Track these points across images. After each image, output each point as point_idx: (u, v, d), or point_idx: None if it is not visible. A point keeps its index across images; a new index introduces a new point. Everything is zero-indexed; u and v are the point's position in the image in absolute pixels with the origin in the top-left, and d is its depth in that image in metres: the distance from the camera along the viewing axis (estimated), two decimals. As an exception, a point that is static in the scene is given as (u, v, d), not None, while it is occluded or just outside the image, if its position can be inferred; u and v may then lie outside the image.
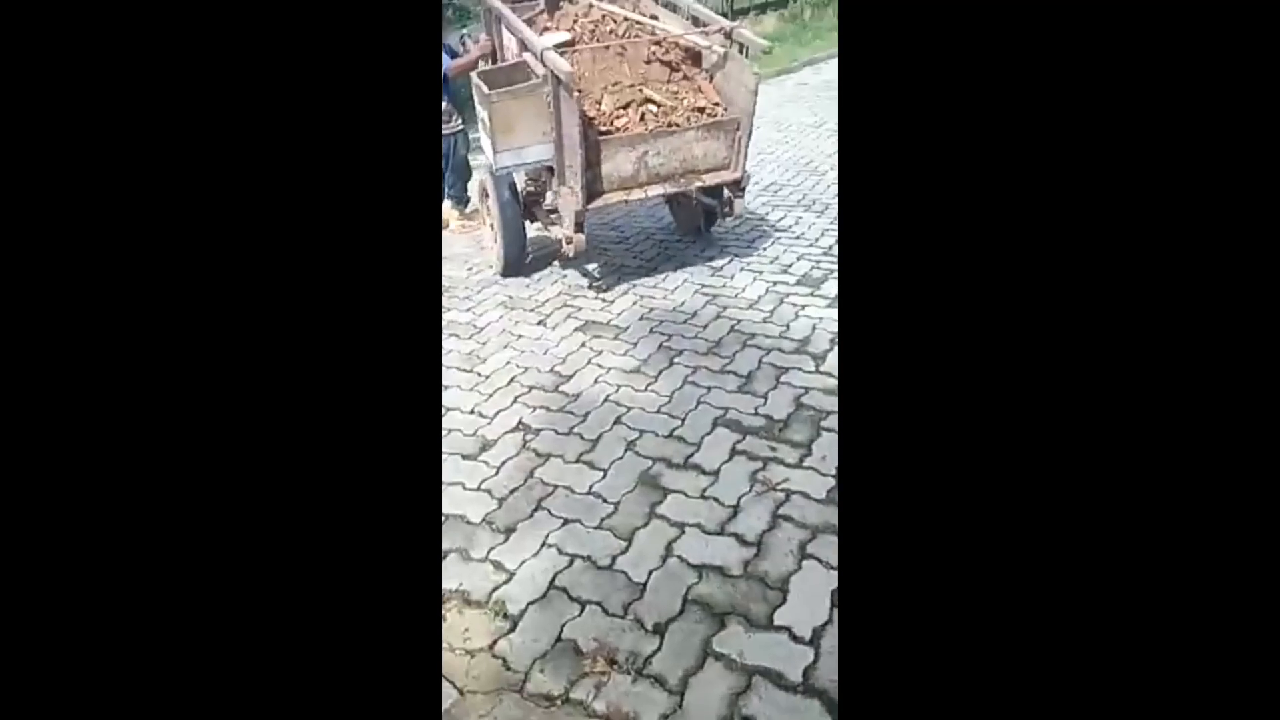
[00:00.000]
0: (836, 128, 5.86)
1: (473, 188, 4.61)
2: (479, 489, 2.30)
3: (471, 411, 2.72)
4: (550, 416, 2.63)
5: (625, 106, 3.23)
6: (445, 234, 4.63)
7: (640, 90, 3.28)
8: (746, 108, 3.23)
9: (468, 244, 4.44)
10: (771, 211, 4.45)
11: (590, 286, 3.64)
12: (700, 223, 4.03)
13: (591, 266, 3.86)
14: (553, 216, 3.74)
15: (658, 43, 3.48)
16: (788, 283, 3.46)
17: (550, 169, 3.36)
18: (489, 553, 2.03)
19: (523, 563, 1.98)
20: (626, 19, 3.59)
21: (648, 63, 3.43)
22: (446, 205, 4.64)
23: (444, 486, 2.31)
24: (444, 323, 3.45)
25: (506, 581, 1.92)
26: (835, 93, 6.92)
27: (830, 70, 8.89)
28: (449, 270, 4.05)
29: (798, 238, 4.01)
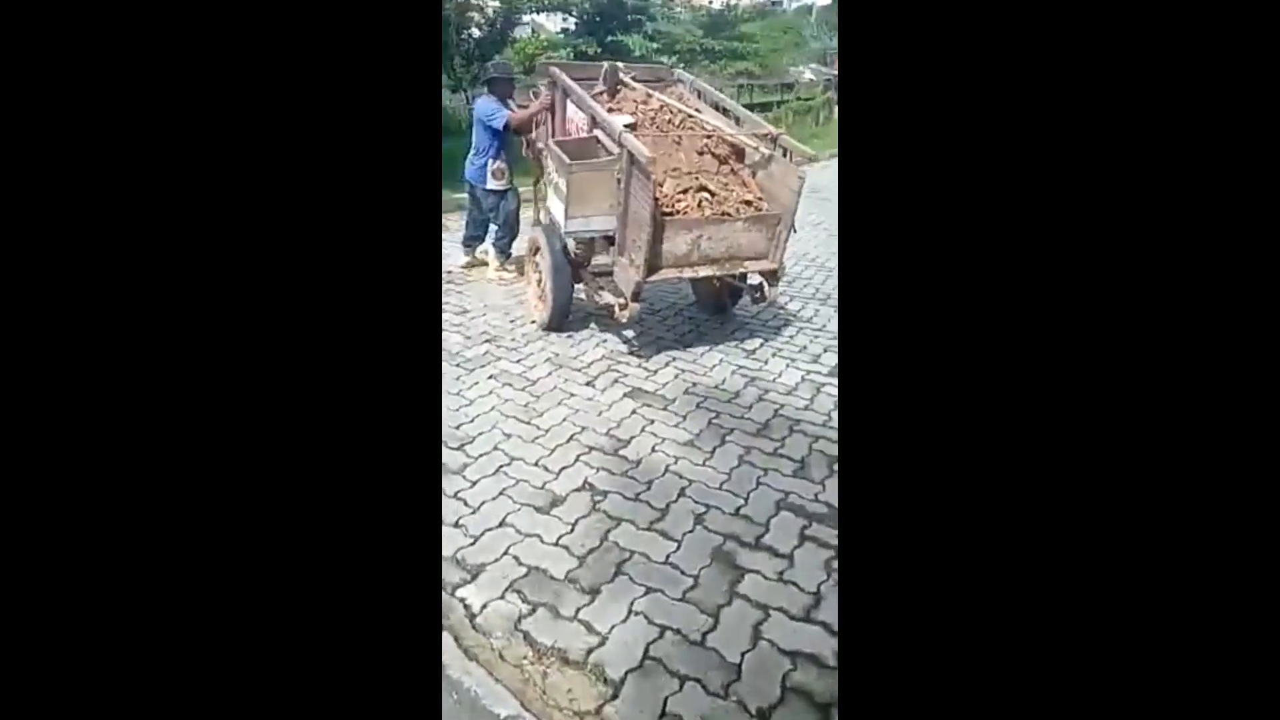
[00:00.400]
0: (836, 228, 6.27)
1: (518, 244, 4.80)
2: (557, 544, 2.38)
3: (536, 464, 2.81)
4: (614, 480, 2.74)
5: (684, 192, 3.48)
6: (483, 282, 4.76)
7: (696, 179, 3.54)
8: (789, 205, 3.52)
9: (505, 296, 4.57)
10: (790, 301, 4.74)
11: (631, 353, 3.80)
12: (725, 301, 4.28)
13: (629, 334, 4.02)
14: (599, 281, 3.92)
15: (709, 136, 3.76)
16: (820, 372, 3.70)
17: (608, 239, 3.55)
18: (577, 612, 2.10)
19: (613, 627, 2.05)
20: (681, 110, 3.88)
21: (700, 153, 3.72)
22: (491, 254, 4.83)
23: (522, 536, 2.39)
24: (495, 371, 3.53)
25: (600, 645, 1.99)
26: (822, 195, 7.47)
27: (814, 176, 9.49)
28: (493, 319, 4.16)
29: (819, 329, 4.29)
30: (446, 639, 1.99)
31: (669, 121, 3.82)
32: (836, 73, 13.60)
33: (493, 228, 4.78)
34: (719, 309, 4.34)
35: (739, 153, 3.77)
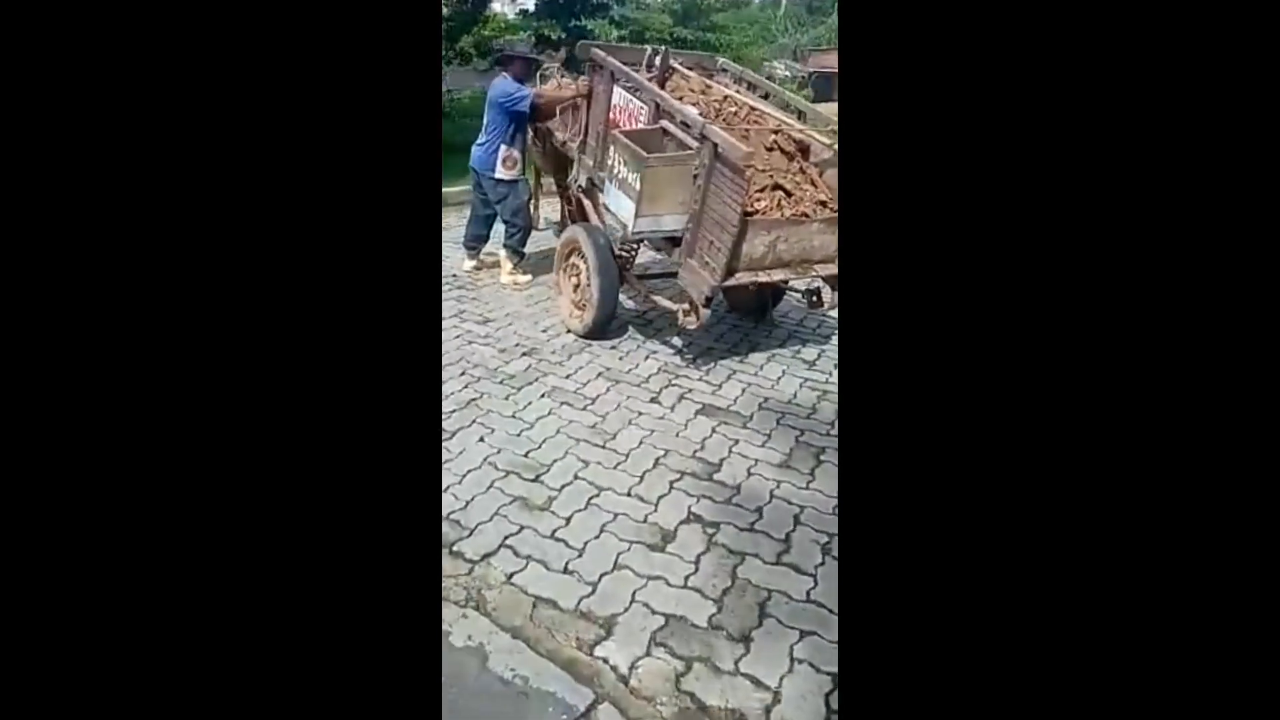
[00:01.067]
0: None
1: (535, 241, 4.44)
2: (686, 586, 2.13)
3: (628, 494, 2.54)
4: (720, 509, 2.50)
5: (761, 190, 3.25)
6: (497, 287, 4.39)
7: (771, 176, 3.32)
8: None
9: (524, 302, 4.22)
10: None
11: (687, 365, 3.55)
12: (768, 305, 4.09)
13: (675, 342, 3.77)
14: (649, 284, 3.65)
15: (776, 131, 3.56)
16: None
17: (671, 240, 3.30)
18: (737, 665, 1.88)
19: (782, 679, 1.84)
20: (744, 102, 3.66)
21: (769, 149, 3.49)
22: (503, 255, 4.41)
23: (644, 579, 2.13)
24: (546, 388, 3.22)
25: (775, 702, 1.78)
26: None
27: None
28: (522, 329, 3.83)
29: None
30: (610, 711, 1.71)
31: (734, 114, 3.57)
32: (809, 70, 13.58)
33: (500, 225, 4.37)
34: (760, 314, 4.13)
35: (804, 149, 3.58)
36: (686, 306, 3.28)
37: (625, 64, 3.72)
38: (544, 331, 3.82)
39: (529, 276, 4.48)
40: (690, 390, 3.31)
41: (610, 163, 3.29)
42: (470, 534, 2.28)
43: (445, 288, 4.31)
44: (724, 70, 4.19)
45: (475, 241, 4.53)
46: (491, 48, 7.16)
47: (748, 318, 4.14)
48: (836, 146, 3.48)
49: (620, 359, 3.58)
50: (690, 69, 3.99)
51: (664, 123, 3.28)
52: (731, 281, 3.16)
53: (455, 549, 2.21)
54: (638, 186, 3.06)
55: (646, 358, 3.61)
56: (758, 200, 3.20)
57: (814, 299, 3.65)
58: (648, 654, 1.89)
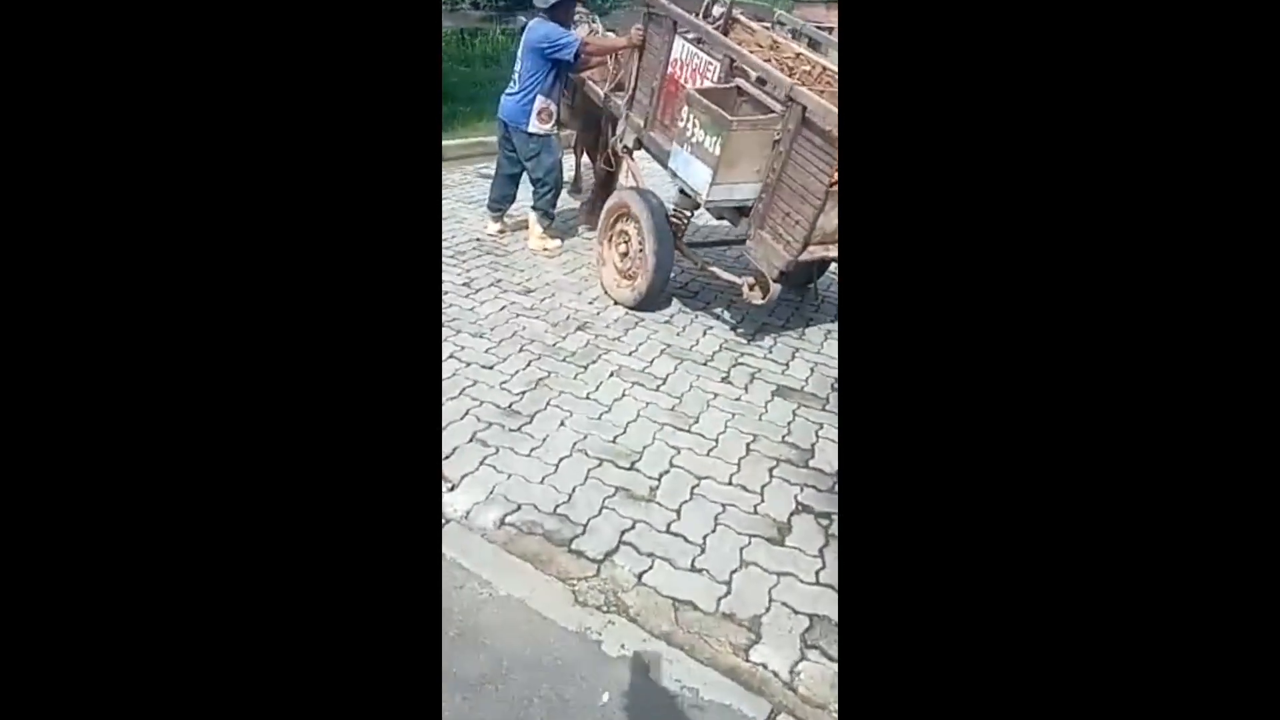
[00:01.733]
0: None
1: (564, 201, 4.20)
2: (818, 583, 2.07)
3: (730, 482, 2.44)
4: (827, 498, 2.44)
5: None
6: (528, 253, 4.14)
7: (842, 142, 3.18)
8: None
9: (560, 269, 4.01)
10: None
11: (749, 341, 3.43)
12: (813, 276, 3.97)
13: (728, 316, 3.64)
14: (700, 252, 3.49)
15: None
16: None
17: (739, 210, 3.15)
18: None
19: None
20: (818, 61, 3.48)
21: None
22: (532, 218, 4.16)
23: (775, 576, 2.04)
24: (615, 366, 3.07)
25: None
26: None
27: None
28: (567, 300, 3.63)
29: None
30: (788, 723, 1.63)
31: (808, 73, 3.37)
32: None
33: (527, 184, 4.10)
34: (804, 285, 4.00)
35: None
36: (752, 280, 3.15)
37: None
38: (591, 304, 3.64)
39: (559, 241, 4.25)
40: (759, 370, 3.20)
41: (682, 124, 3.09)
42: (584, 531, 2.14)
43: (475, 253, 4.07)
44: (780, 23, 3.96)
45: (501, 202, 4.26)
46: None
47: (794, 291, 4.03)
48: None
49: (678, 334, 3.43)
50: (752, 21, 3.78)
51: (739, 81, 3.09)
52: (806, 255, 3.04)
53: (575, 547, 2.07)
54: (716, 151, 2.88)
55: (704, 333, 3.47)
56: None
57: None
58: (803, 658, 1.80)
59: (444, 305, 3.33)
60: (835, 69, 3.38)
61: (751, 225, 3.10)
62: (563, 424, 2.64)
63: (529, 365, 3.00)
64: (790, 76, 3.23)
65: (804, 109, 2.77)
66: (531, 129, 3.87)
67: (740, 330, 3.54)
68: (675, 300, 3.76)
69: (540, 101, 3.80)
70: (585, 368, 3.04)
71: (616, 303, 3.62)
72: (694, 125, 3.01)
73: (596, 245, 3.80)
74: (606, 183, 4.38)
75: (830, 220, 3.02)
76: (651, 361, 3.15)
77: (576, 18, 4.09)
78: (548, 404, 2.75)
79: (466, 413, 2.64)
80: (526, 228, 4.25)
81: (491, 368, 2.95)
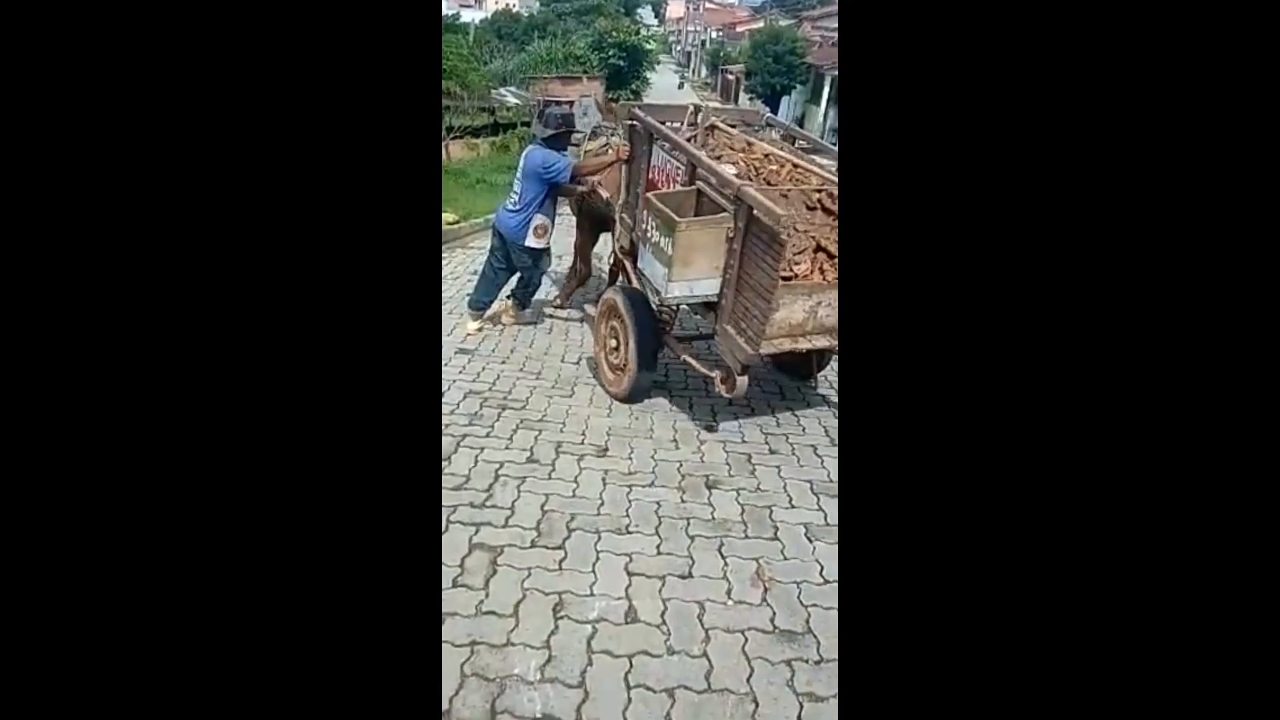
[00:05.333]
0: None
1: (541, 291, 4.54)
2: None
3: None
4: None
5: (800, 253, 3.23)
6: (502, 356, 4.44)
7: (813, 238, 3.30)
8: None
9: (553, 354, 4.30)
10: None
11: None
12: (814, 367, 4.04)
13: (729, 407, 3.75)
14: (682, 346, 3.67)
15: (819, 189, 3.55)
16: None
17: (708, 305, 3.31)
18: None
19: None
20: (788, 159, 3.68)
21: (810, 208, 3.47)
22: (508, 303, 4.73)
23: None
24: (651, 469, 3.21)
25: None
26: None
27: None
28: (560, 399, 3.85)
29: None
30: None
31: (775, 172, 3.59)
32: (540, 99, 12.37)
33: (511, 281, 4.65)
34: (805, 375, 4.07)
35: (853, 205, 3.57)
36: (721, 374, 3.27)
37: (665, 122, 3.81)
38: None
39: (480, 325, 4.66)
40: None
41: (644, 226, 3.35)
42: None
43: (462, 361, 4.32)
44: (770, 125, 4.23)
45: (482, 304, 4.67)
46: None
47: (795, 379, 4.09)
48: None
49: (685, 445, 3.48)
50: (734, 125, 4.05)
51: (700, 184, 3.33)
52: (770, 349, 3.15)
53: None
54: (669, 250, 3.10)
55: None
56: (797, 263, 3.19)
57: None
58: None
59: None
60: (804, 164, 3.56)
61: (718, 320, 3.26)
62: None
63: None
64: (756, 176, 3.44)
65: (750, 208, 2.95)
66: (529, 244, 4.36)
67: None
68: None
69: (538, 219, 4.30)
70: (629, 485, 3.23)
71: (613, 397, 3.84)
72: (651, 227, 3.27)
73: (593, 341, 4.07)
74: (614, 279, 4.73)
75: (795, 313, 3.13)
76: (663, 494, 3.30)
77: (599, 132, 4.59)
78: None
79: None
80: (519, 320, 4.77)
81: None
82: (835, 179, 3.51)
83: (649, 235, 3.30)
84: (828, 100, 22.49)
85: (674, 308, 3.71)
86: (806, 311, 3.15)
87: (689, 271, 3.14)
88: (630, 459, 3.28)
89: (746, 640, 2.22)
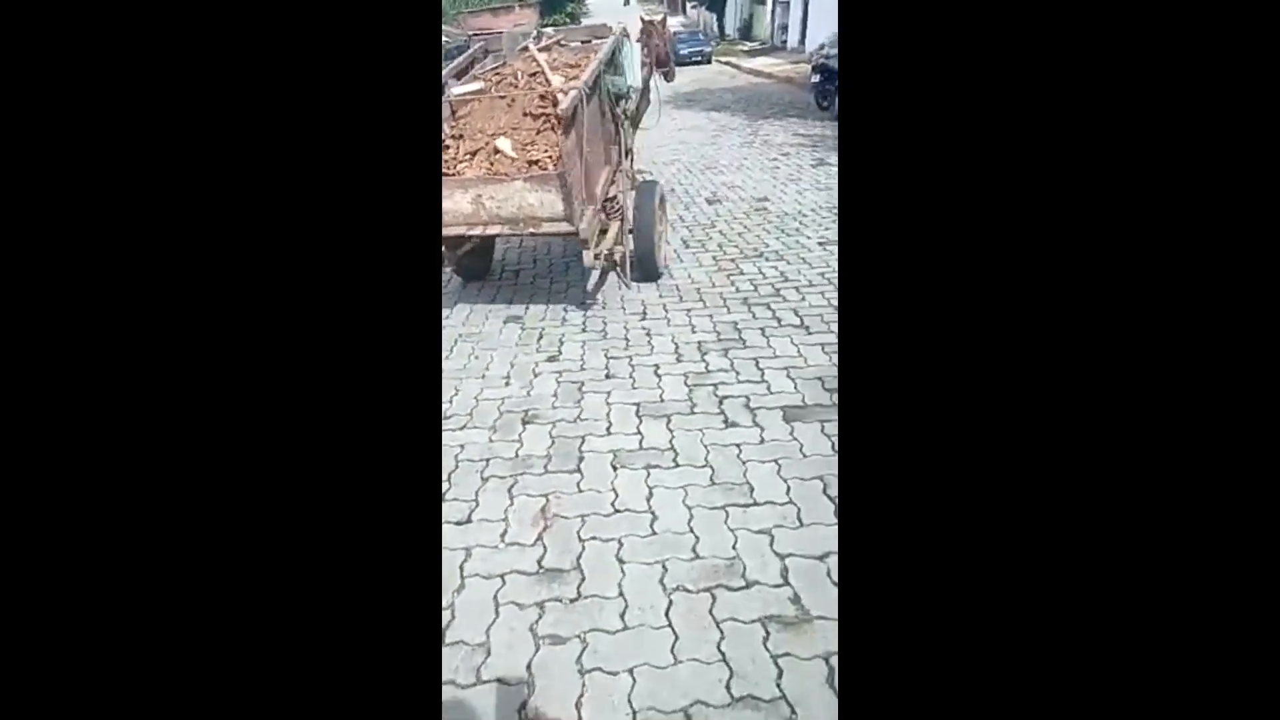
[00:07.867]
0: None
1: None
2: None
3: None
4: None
5: (474, 153, 3.80)
6: None
7: (489, 140, 3.82)
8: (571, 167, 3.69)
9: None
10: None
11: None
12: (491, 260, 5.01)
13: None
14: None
15: (543, 96, 3.95)
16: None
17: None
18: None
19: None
20: (539, 69, 4.28)
21: (525, 114, 3.94)
22: None
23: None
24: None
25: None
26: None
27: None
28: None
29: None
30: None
31: (510, 84, 4.22)
32: (469, 33, 11.36)
33: None
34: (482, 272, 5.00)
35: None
36: None
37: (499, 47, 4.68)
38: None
39: None
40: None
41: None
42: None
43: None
44: (605, 38, 4.93)
45: None
46: None
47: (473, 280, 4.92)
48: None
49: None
50: (585, 40, 5.05)
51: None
52: (453, 233, 3.78)
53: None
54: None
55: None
56: (460, 162, 3.79)
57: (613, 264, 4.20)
58: None
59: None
60: (548, 72, 4.27)
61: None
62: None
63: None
64: (496, 88, 4.28)
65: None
66: None
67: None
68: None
69: None
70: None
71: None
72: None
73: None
74: None
75: (460, 204, 3.71)
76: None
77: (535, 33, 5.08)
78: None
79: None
80: None
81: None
82: (558, 90, 3.94)
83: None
84: (773, 1, 22.64)
85: None
86: (472, 202, 3.68)
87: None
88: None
89: (504, 585, 2.13)
